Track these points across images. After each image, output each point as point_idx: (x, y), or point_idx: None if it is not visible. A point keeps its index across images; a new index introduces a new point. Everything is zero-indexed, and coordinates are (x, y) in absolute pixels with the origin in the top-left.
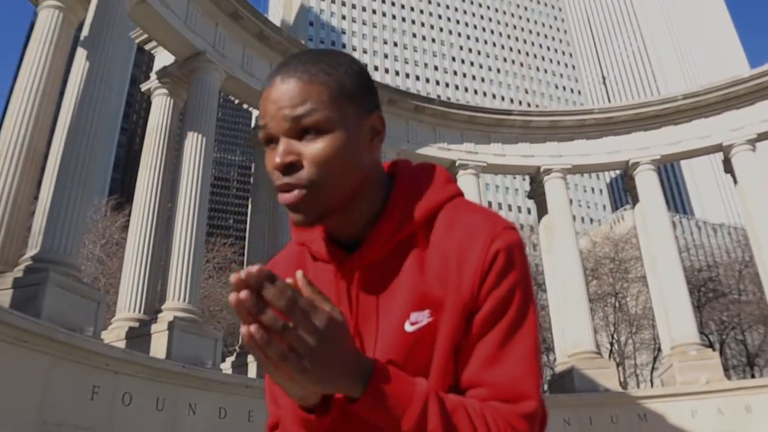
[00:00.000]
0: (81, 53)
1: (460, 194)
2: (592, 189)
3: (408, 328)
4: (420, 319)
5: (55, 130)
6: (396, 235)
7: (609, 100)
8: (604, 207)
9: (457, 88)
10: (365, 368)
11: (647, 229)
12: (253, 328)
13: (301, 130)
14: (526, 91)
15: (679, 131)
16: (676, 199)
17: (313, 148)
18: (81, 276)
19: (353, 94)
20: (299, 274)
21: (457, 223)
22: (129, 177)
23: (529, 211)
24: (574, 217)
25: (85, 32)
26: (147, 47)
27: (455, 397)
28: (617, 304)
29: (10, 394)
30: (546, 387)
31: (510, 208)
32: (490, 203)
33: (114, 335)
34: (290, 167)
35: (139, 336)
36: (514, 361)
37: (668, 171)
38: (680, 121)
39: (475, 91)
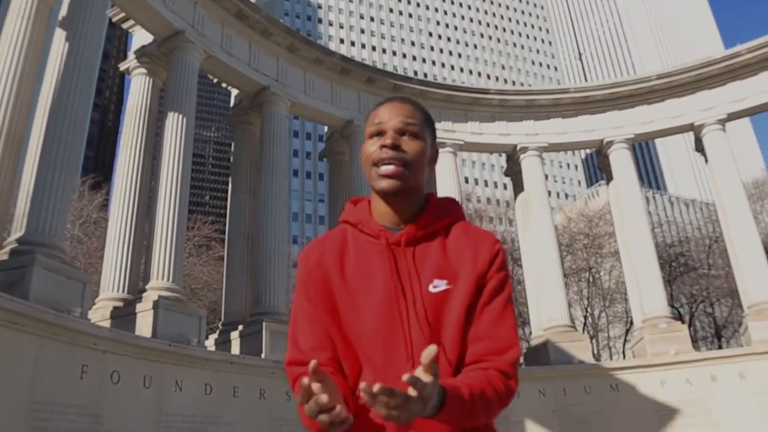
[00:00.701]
0: (59, 33)
1: (465, 217)
2: (568, 165)
3: (431, 289)
4: (439, 285)
5: (36, 112)
6: (429, 227)
7: (585, 77)
8: (579, 182)
9: (434, 63)
10: (440, 400)
11: (621, 207)
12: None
13: (403, 132)
14: (503, 67)
15: (652, 111)
16: (650, 175)
17: (411, 144)
18: (66, 257)
19: (431, 128)
20: (406, 378)
21: (469, 231)
22: (103, 154)
23: (505, 187)
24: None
25: (63, 12)
26: (124, 26)
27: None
28: (591, 279)
29: (3, 375)
30: (522, 360)
31: (486, 183)
32: (466, 179)
33: (99, 315)
34: (397, 147)
35: (123, 315)
36: (508, 323)
37: (642, 148)
38: (654, 101)
39: (452, 67)
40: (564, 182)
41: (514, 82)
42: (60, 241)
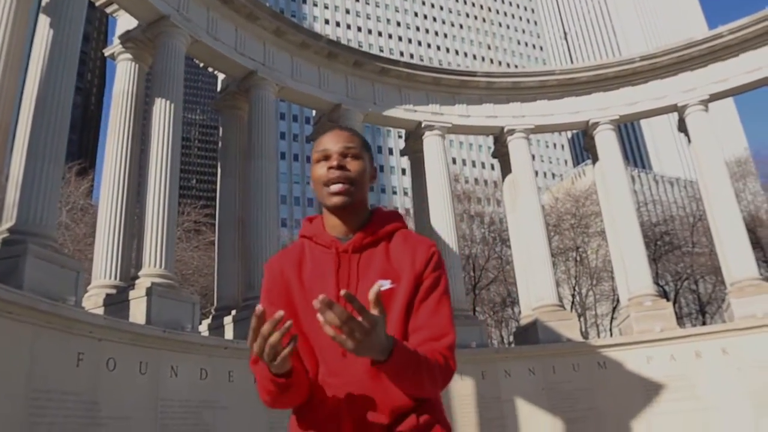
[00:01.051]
0: (43, 20)
1: (406, 226)
2: (554, 144)
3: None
4: (384, 285)
5: (22, 102)
6: (373, 236)
7: (570, 56)
8: (566, 162)
9: (420, 44)
10: (389, 343)
11: (606, 187)
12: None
13: (345, 155)
14: (489, 47)
15: (636, 92)
16: (636, 153)
17: (354, 164)
18: (58, 246)
19: (369, 151)
20: (343, 292)
21: (409, 238)
22: (87, 139)
23: (492, 167)
24: (536, 173)
25: None
26: (108, 10)
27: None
28: (578, 258)
29: (1, 364)
30: (512, 339)
31: (474, 164)
32: (454, 159)
33: (92, 302)
34: (342, 168)
35: (117, 303)
36: (444, 314)
37: (628, 127)
38: (637, 82)
39: (438, 47)
40: (551, 162)
41: (500, 63)
42: (51, 230)
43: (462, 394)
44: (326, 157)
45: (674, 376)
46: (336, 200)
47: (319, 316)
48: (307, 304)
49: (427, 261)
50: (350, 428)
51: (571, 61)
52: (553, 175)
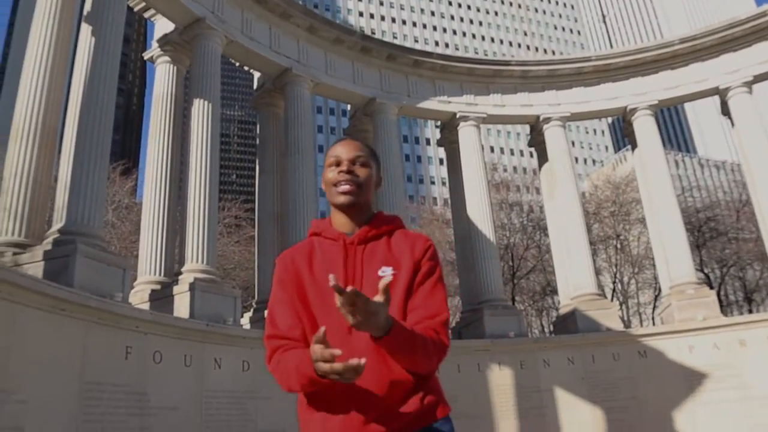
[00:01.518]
0: (86, 29)
1: (405, 227)
2: (594, 130)
3: (380, 273)
4: (386, 271)
5: (68, 106)
6: (377, 230)
7: (609, 40)
8: (606, 148)
9: (455, 32)
10: (388, 323)
11: (646, 174)
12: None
13: (354, 162)
14: (526, 33)
15: (676, 76)
16: (679, 137)
17: (361, 170)
18: (105, 245)
19: (376, 160)
20: (350, 289)
21: (408, 234)
22: (129, 138)
23: (531, 155)
24: (576, 159)
25: (87, 7)
26: (146, 15)
27: (412, 322)
28: (619, 246)
29: (54, 358)
30: (551, 328)
31: (513, 152)
32: (492, 148)
33: (138, 298)
34: (351, 173)
35: (161, 298)
36: (438, 296)
37: (671, 110)
38: (677, 66)
39: (474, 36)
40: (591, 148)
41: (537, 49)
42: (99, 230)
43: (500, 384)
44: (338, 163)
45: (718, 365)
46: (343, 199)
47: (337, 299)
48: (316, 290)
49: (425, 251)
50: (355, 399)
51: (611, 45)
52: (594, 162)
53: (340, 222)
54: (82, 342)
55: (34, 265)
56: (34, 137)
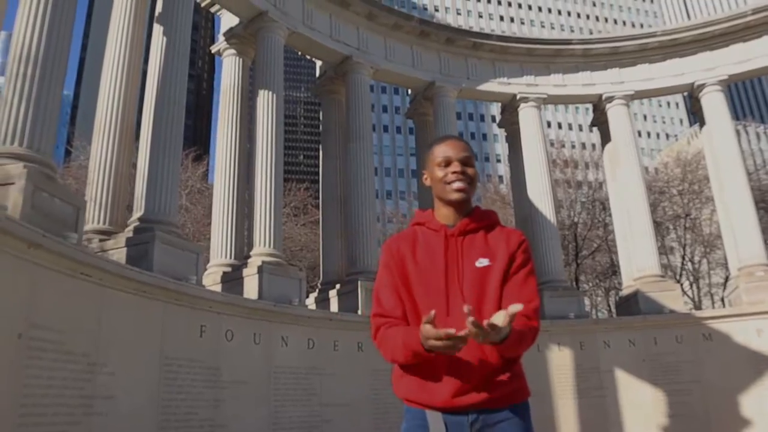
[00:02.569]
0: (158, 29)
1: (500, 222)
2: (668, 103)
3: (477, 264)
4: (483, 262)
5: (143, 103)
6: (476, 223)
7: (686, 6)
8: (681, 121)
9: (512, 20)
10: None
11: (714, 152)
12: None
13: (465, 162)
14: (594, 4)
15: (748, 48)
16: (762, 108)
17: (470, 170)
18: (180, 232)
19: (474, 160)
20: (470, 320)
21: (504, 229)
22: (200, 123)
23: (591, 130)
24: (648, 134)
25: (158, 9)
26: (212, 10)
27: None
28: (688, 225)
29: (138, 335)
30: (613, 309)
31: (580, 128)
32: (559, 124)
33: (210, 280)
34: (464, 172)
35: (232, 280)
36: (530, 286)
37: (753, 81)
38: (750, 38)
39: (532, 23)
40: (664, 122)
41: (606, 19)
42: (174, 217)
43: (559, 365)
44: (447, 163)
45: None
46: (457, 196)
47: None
48: (418, 275)
49: (519, 245)
50: (444, 371)
51: (687, 13)
52: (667, 136)
53: (443, 214)
54: (161, 321)
55: (117, 251)
56: (114, 132)
